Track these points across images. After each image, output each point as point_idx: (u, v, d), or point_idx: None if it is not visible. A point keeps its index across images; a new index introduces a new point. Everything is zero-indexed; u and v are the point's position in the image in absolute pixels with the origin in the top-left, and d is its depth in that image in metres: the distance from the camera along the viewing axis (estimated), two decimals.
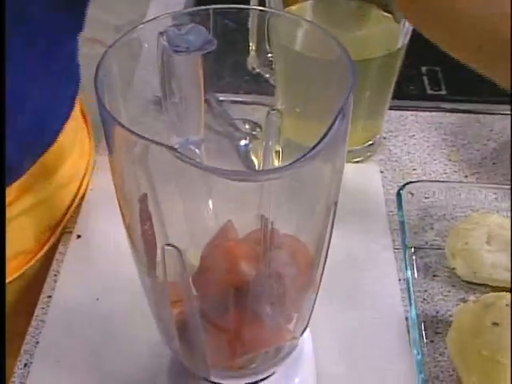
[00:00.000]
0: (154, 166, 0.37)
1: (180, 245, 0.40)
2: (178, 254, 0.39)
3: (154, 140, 0.33)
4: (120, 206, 0.44)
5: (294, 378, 0.51)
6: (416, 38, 0.69)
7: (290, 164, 0.32)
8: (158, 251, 0.41)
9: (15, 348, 0.57)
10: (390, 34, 0.69)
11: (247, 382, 0.49)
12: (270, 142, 0.49)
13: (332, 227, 0.43)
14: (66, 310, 0.59)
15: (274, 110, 0.47)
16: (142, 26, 0.44)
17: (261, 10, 0.52)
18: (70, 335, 0.58)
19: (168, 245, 0.39)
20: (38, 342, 0.57)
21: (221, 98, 0.80)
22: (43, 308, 0.60)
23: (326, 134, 0.33)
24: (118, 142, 0.38)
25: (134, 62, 0.77)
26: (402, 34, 0.68)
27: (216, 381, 0.48)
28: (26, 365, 0.56)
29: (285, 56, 0.69)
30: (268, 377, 0.50)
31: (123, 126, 0.34)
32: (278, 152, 0.50)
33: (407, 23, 0.67)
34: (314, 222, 0.43)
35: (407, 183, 0.66)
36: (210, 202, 0.48)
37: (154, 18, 0.44)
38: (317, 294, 0.47)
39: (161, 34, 0.44)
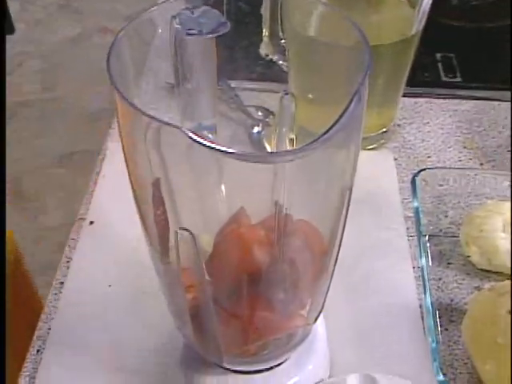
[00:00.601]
0: (167, 148, 0.37)
1: (193, 230, 0.40)
2: (191, 238, 0.39)
3: (166, 121, 0.33)
4: (133, 192, 0.44)
5: (307, 365, 0.50)
6: (431, 25, 0.69)
7: (306, 145, 0.32)
8: (171, 236, 0.40)
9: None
10: (404, 20, 0.68)
11: (260, 368, 0.49)
12: (284, 129, 0.48)
13: (347, 213, 0.43)
14: (78, 297, 0.59)
15: (287, 93, 0.46)
16: (154, 8, 0.43)
17: None
18: (83, 322, 0.57)
19: (182, 228, 0.38)
20: (50, 329, 0.57)
21: (233, 85, 0.79)
22: (56, 294, 0.60)
23: (341, 116, 0.32)
24: (131, 125, 0.38)
25: (145, 47, 0.76)
26: (417, 19, 0.67)
27: (228, 367, 0.48)
28: (38, 351, 0.56)
29: (298, 42, 0.68)
30: (281, 363, 0.49)
31: (136, 108, 0.34)
32: (291, 140, 0.49)
33: (422, 8, 0.66)
34: (328, 208, 0.43)
35: (422, 170, 0.66)
36: (223, 187, 0.47)
37: (167, 1, 0.43)
38: (331, 280, 0.47)
39: (173, 17, 0.44)
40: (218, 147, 0.32)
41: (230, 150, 0.31)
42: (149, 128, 0.36)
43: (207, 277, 0.43)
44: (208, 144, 0.32)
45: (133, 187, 0.43)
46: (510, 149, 0.74)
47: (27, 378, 0.54)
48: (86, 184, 0.72)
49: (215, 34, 0.43)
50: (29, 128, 2.12)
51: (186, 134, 0.32)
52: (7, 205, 1.84)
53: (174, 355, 0.51)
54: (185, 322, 0.46)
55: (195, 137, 0.32)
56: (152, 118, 0.34)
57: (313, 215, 0.44)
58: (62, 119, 2.17)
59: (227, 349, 0.46)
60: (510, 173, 0.67)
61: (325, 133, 0.32)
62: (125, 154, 0.42)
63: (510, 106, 0.80)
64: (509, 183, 0.66)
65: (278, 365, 0.49)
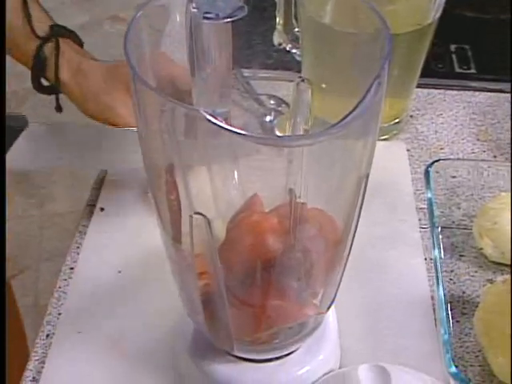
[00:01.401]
0: (181, 131, 0.36)
1: (206, 215, 0.39)
2: (205, 223, 0.38)
3: (181, 103, 0.32)
4: (147, 177, 0.43)
5: (318, 355, 0.50)
6: (446, 16, 0.68)
7: (324, 130, 0.31)
8: (185, 221, 0.40)
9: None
10: (420, 9, 0.68)
11: (270, 357, 0.49)
12: (299, 117, 0.48)
13: (362, 202, 0.43)
14: (88, 282, 0.59)
15: (303, 80, 0.45)
16: None
17: None
18: (92, 307, 0.57)
19: (196, 213, 0.38)
20: (60, 314, 0.57)
21: (246, 74, 0.79)
22: (65, 280, 0.60)
23: (361, 101, 0.32)
24: (147, 107, 0.37)
25: (158, 34, 0.76)
26: (433, 8, 0.67)
27: (239, 355, 0.48)
28: (48, 335, 0.56)
29: (313, 29, 0.67)
30: (292, 353, 0.49)
31: (152, 88, 0.33)
32: (306, 130, 0.49)
33: None
34: (343, 197, 0.42)
35: (435, 161, 0.65)
36: (237, 173, 0.47)
37: None
38: (344, 269, 0.47)
39: (190, 0, 0.43)
40: (235, 130, 0.31)
41: (247, 133, 0.31)
42: (164, 110, 0.35)
43: (220, 263, 0.43)
44: (225, 126, 0.31)
45: (147, 172, 0.43)
46: None
47: (36, 363, 0.54)
48: (94, 170, 0.72)
49: (232, 19, 0.42)
50: (38, 114, 2.12)
51: (203, 116, 0.32)
52: (14, 191, 1.85)
53: (184, 342, 0.51)
54: (196, 308, 0.46)
55: (212, 118, 0.32)
56: (167, 99, 0.33)
57: (327, 204, 0.43)
58: (72, 106, 2.16)
59: (238, 336, 0.46)
60: None
61: (344, 118, 0.32)
62: (140, 139, 0.42)
63: None
64: None
65: (289, 354, 0.49)
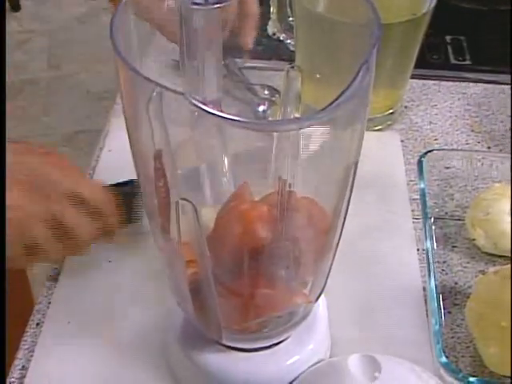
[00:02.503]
0: (169, 118, 0.36)
1: (194, 203, 0.39)
2: (192, 209, 0.38)
3: (169, 87, 0.32)
4: (135, 164, 0.43)
5: (308, 344, 0.50)
6: (441, 6, 0.68)
7: (312, 114, 0.31)
8: (172, 208, 0.40)
9: None
10: None
11: (260, 346, 0.48)
12: (289, 106, 0.47)
13: (351, 191, 0.42)
14: (78, 271, 0.59)
15: (293, 67, 0.45)
16: None
17: None
18: (82, 296, 0.57)
19: (182, 199, 0.38)
20: (50, 303, 0.57)
21: (239, 63, 0.78)
22: (56, 268, 0.59)
23: (349, 86, 0.31)
24: (134, 93, 0.37)
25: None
26: None
27: (228, 344, 0.48)
28: (38, 324, 0.55)
29: (307, 19, 0.67)
30: (281, 342, 0.49)
31: (139, 74, 0.33)
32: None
33: None
34: (332, 185, 0.42)
35: (428, 151, 0.65)
36: (226, 161, 0.47)
37: None
38: (333, 259, 0.46)
39: None
40: (221, 114, 0.31)
41: (234, 117, 0.31)
42: (152, 96, 0.35)
43: (208, 252, 0.42)
44: (211, 111, 0.31)
45: (134, 159, 0.42)
46: None
47: (26, 351, 0.54)
48: (90, 163, 0.72)
49: (221, 5, 0.42)
50: (34, 105, 2.12)
51: (189, 101, 0.31)
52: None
53: (174, 332, 0.50)
54: (185, 297, 0.45)
55: (198, 103, 0.31)
56: (155, 83, 0.33)
57: (316, 192, 0.43)
58: (68, 98, 2.16)
59: (227, 325, 0.45)
60: None
61: (331, 103, 0.31)
62: (127, 126, 0.41)
63: None
64: None
65: (279, 343, 0.49)
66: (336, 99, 0.31)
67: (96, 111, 2.04)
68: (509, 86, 0.79)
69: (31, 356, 0.53)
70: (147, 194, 0.44)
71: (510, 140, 0.72)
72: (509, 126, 0.75)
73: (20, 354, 0.54)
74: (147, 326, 0.54)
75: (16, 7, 2.51)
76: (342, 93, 0.31)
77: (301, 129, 0.33)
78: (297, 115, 0.47)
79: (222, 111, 0.50)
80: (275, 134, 0.41)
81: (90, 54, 2.22)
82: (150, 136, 0.39)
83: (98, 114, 2.03)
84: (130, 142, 0.42)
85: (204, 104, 0.49)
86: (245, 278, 0.44)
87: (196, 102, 0.32)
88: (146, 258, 0.56)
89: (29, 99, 2.10)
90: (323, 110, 0.31)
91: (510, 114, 0.76)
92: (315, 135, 0.36)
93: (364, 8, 0.42)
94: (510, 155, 0.65)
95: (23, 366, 0.53)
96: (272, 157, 0.44)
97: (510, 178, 0.64)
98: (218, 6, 0.41)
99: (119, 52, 0.34)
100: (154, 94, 0.35)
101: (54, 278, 0.58)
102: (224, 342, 0.47)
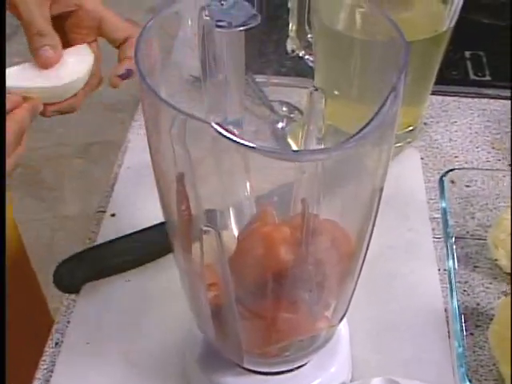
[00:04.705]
0: (192, 143, 0.36)
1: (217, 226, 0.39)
2: (216, 235, 0.38)
3: (193, 115, 0.32)
4: (157, 186, 0.43)
5: (329, 368, 0.49)
6: (460, 22, 0.67)
7: (339, 144, 0.31)
8: (195, 232, 0.39)
9: None
10: (436, 16, 0.67)
11: (281, 369, 0.48)
12: (312, 126, 0.47)
13: (376, 214, 0.42)
14: (97, 291, 0.59)
15: (316, 89, 0.45)
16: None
17: None
18: (101, 316, 0.57)
19: (206, 225, 0.37)
20: (69, 322, 0.56)
21: (258, 80, 0.78)
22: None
23: (377, 114, 0.31)
24: (157, 118, 0.37)
25: (171, 40, 0.75)
26: (449, 16, 0.66)
27: (249, 367, 0.47)
28: (56, 344, 0.55)
29: (326, 36, 0.67)
30: (302, 365, 0.48)
31: (163, 100, 0.33)
32: (319, 139, 0.48)
33: (454, 4, 0.64)
34: (357, 208, 0.42)
35: (450, 170, 0.64)
36: (248, 184, 0.46)
37: None
38: (356, 282, 0.46)
39: (203, 8, 0.43)
40: (248, 143, 0.30)
41: (261, 147, 0.30)
42: (174, 121, 0.35)
43: (230, 275, 0.42)
44: (238, 140, 0.31)
45: (157, 182, 0.42)
46: None
47: (45, 371, 0.53)
48: (105, 175, 0.71)
49: (245, 27, 0.41)
50: (49, 117, 2.12)
51: (215, 129, 0.31)
52: (26, 193, 1.85)
53: (194, 354, 0.50)
54: (206, 320, 0.45)
55: (223, 131, 0.31)
56: (179, 110, 0.33)
57: (341, 215, 0.43)
58: (83, 110, 2.16)
59: (248, 349, 0.45)
60: None
61: (359, 132, 0.31)
62: (150, 148, 0.41)
63: None
64: None
65: (300, 367, 0.48)
66: (363, 127, 0.31)
67: (110, 123, 2.05)
68: None
69: (50, 376, 0.53)
70: (169, 216, 0.44)
71: None
72: None
73: (39, 374, 0.53)
74: (167, 347, 0.54)
75: None
76: (370, 121, 0.31)
77: (327, 159, 0.33)
78: (319, 136, 0.47)
79: (243, 131, 0.51)
80: None
81: (106, 66, 2.23)
82: (172, 159, 0.39)
83: (112, 125, 2.03)
84: (152, 163, 0.42)
85: (225, 126, 0.49)
86: (267, 302, 0.44)
87: (221, 130, 0.31)
88: (166, 279, 0.55)
89: None
90: (350, 139, 0.31)
91: None
92: (340, 160, 0.36)
93: (386, 26, 0.42)
94: None
95: None
96: (295, 179, 0.43)
97: None
98: (242, 29, 0.41)
99: (144, 78, 0.34)
100: (177, 119, 0.35)
101: (73, 300, 0.58)
102: (245, 365, 0.47)
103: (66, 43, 0.58)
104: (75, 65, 0.57)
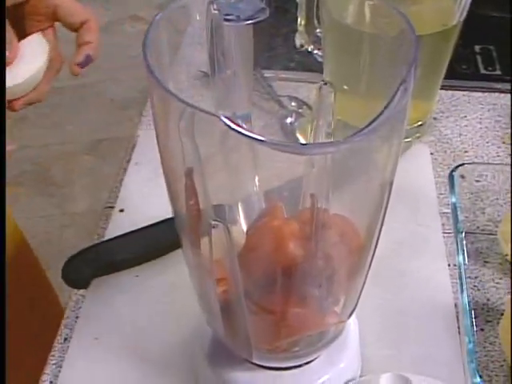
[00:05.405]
0: (201, 137, 0.36)
1: (226, 221, 0.38)
2: (225, 230, 0.37)
3: (201, 108, 0.32)
4: (166, 181, 0.43)
5: (339, 363, 0.49)
6: (470, 16, 0.67)
7: (347, 138, 0.30)
8: (204, 227, 0.39)
9: None
10: (445, 10, 0.66)
11: (290, 365, 0.48)
12: (321, 121, 0.47)
13: (386, 209, 0.42)
14: (106, 286, 0.59)
15: (325, 84, 0.44)
16: None
17: None
18: (110, 312, 0.57)
19: (215, 220, 0.37)
20: (77, 317, 0.57)
21: (267, 75, 0.78)
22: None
23: (386, 107, 0.31)
24: (165, 112, 0.36)
25: (179, 35, 0.75)
26: (459, 9, 0.65)
27: (258, 362, 0.47)
28: (65, 339, 0.55)
29: (335, 31, 0.66)
30: (312, 361, 0.48)
31: (172, 94, 0.33)
32: (328, 134, 0.48)
33: None
34: (367, 203, 0.41)
35: (460, 165, 0.64)
36: (257, 179, 0.46)
37: None
38: (366, 278, 0.46)
39: (211, 2, 0.43)
40: (257, 137, 0.30)
41: (271, 141, 0.30)
42: (183, 115, 0.35)
43: (239, 269, 0.42)
44: (247, 133, 0.31)
45: (166, 177, 0.42)
46: None
47: (53, 366, 0.53)
48: (113, 171, 0.71)
49: (253, 21, 0.41)
50: (58, 114, 2.13)
51: (223, 121, 0.31)
52: (35, 190, 1.85)
53: (203, 349, 0.50)
54: (215, 315, 0.45)
55: (232, 124, 0.31)
56: (187, 103, 0.33)
57: (350, 210, 0.42)
58: (91, 106, 2.17)
59: (257, 344, 0.45)
60: None
61: (368, 125, 0.31)
62: (158, 143, 0.41)
63: None
64: None
65: (309, 362, 0.48)
66: (373, 121, 0.31)
67: (119, 120, 2.05)
68: None
69: (59, 371, 0.53)
70: (178, 211, 0.43)
71: None
72: None
73: (48, 370, 0.53)
74: (176, 343, 0.54)
75: None
76: (380, 114, 0.30)
77: (336, 152, 0.32)
78: (328, 130, 0.47)
79: (251, 125, 0.50)
80: None
81: (114, 62, 2.23)
82: (181, 153, 0.39)
83: (121, 122, 2.04)
84: (160, 158, 0.42)
85: (234, 120, 0.49)
86: (276, 296, 0.43)
87: (229, 123, 0.31)
88: (175, 274, 0.55)
89: (52, 107, 2.11)
90: (359, 132, 0.30)
91: None
92: (349, 154, 0.36)
93: (395, 19, 0.42)
94: None
95: (51, 382, 0.52)
96: (304, 174, 0.43)
97: None
98: (251, 22, 0.41)
99: (152, 72, 0.34)
100: (186, 113, 0.34)
101: (82, 295, 0.58)
102: (254, 360, 0.47)
103: (23, 31, 0.57)
104: (32, 57, 0.57)
